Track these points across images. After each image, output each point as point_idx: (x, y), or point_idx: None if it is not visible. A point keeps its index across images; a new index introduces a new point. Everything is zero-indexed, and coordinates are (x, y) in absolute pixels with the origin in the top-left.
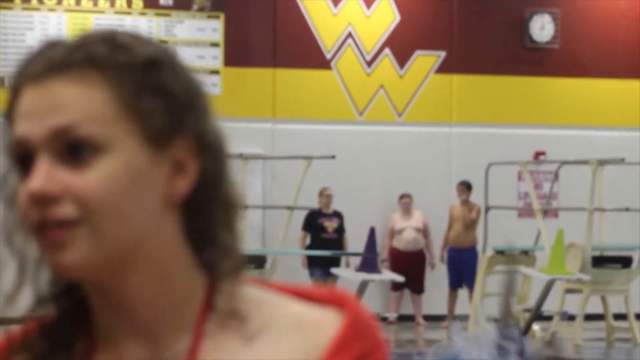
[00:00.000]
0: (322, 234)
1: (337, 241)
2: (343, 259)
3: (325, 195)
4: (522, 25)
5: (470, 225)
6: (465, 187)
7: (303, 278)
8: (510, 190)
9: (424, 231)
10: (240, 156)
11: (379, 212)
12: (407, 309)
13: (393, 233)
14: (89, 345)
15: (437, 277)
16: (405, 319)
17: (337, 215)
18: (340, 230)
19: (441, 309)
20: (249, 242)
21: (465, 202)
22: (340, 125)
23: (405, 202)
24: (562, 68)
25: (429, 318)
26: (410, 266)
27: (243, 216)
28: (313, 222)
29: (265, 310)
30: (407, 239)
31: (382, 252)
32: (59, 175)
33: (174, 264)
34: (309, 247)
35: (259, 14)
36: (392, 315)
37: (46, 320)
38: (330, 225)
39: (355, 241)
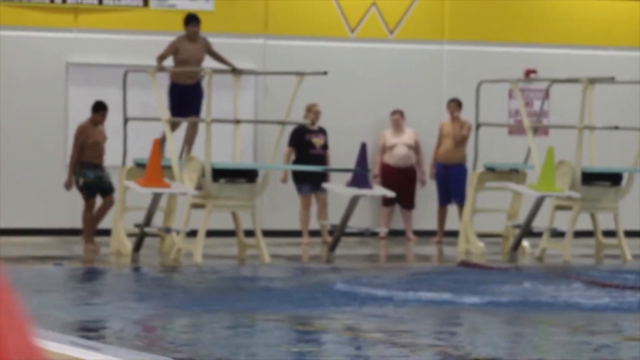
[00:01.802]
0: (310, 149)
1: (323, 157)
2: (330, 175)
3: (314, 111)
4: None
5: (461, 141)
6: (456, 104)
7: (293, 192)
8: (501, 108)
9: (415, 148)
10: (233, 71)
11: (370, 129)
12: (398, 224)
13: (384, 149)
14: None
15: (427, 193)
16: (395, 234)
17: (323, 131)
18: (325, 146)
19: (431, 224)
20: (241, 156)
21: (456, 119)
22: (332, 42)
23: (396, 118)
24: None
25: (419, 233)
26: (400, 182)
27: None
28: (300, 138)
29: None
30: (399, 154)
31: (373, 167)
32: None
33: None
34: (295, 163)
35: None
36: (382, 231)
37: None
38: (318, 141)
39: (345, 157)
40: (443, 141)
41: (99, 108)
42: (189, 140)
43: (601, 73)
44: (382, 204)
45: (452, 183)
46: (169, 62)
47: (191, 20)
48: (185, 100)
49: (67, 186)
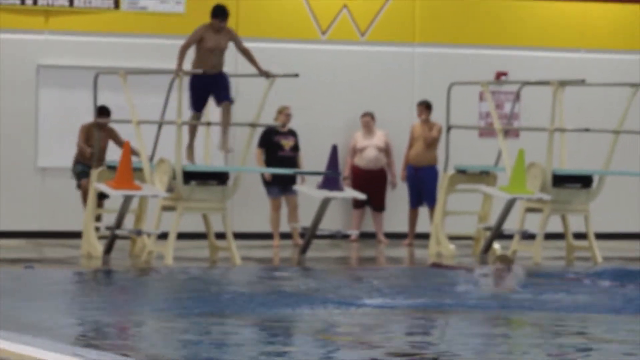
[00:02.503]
0: (279, 151)
1: (292, 159)
2: (298, 177)
3: (285, 114)
4: None
5: (431, 143)
6: (424, 106)
7: (264, 195)
8: (471, 110)
9: (386, 150)
10: (203, 73)
11: (341, 130)
12: (369, 226)
13: (355, 151)
14: None
15: (398, 195)
16: (366, 236)
17: (293, 133)
18: (295, 148)
19: (402, 227)
20: (212, 158)
21: (426, 121)
22: (303, 44)
23: (366, 120)
24: None
25: (390, 236)
26: (371, 184)
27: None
28: (269, 140)
29: None
30: (369, 157)
31: (344, 169)
32: None
33: None
34: (266, 164)
35: None
36: (354, 233)
37: None
38: (287, 143)
39: (317, 159)
40: (414, 143)
41: (102, 112)
42: (225, 128)
43: (572, 75)
44: (352, 207)
45: (423, 185)
46: (189, 55)
47: (219, 14)
48: (211, 90)
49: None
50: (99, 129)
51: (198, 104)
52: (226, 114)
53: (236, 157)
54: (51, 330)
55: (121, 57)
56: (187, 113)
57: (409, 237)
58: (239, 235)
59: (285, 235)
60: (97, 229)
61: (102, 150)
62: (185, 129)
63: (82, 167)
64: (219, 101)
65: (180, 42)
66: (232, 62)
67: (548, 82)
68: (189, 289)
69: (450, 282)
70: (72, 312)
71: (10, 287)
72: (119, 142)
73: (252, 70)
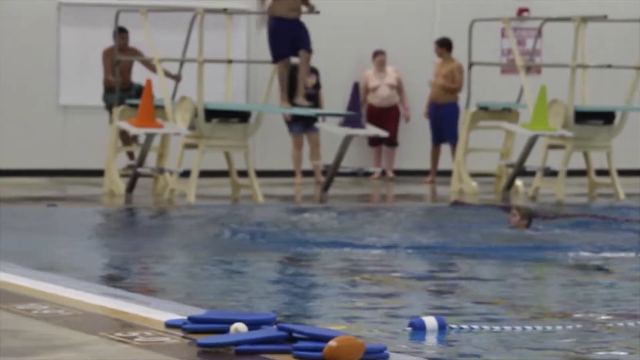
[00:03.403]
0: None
1: (315, 96)
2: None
3: None
4: None
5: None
6: (439, 44)
7: (287, 132)
8: (493, 47)
9: (398, 87)
10: (225, 11)
11: (359, 68)
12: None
13: (367, 89)
14: None
15: (416, 132)
16: (383, 174)
17: (315, 71)
18: (317, 85)
19: (420, 164)
20: (233, 96)
21: (445, 59)
22: None
23: (380, 59)
24: None
25: (409, 173)
26: (385, 121)
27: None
28: (292, 78)
29: None
30: (382, 95)
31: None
32: None
33: None
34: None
35: None
36: (376, 171)
37: None
38: (310, 80)
39: (332, 96)
40: (433, 81)
41: (119, 33)
42: (302, 78)
43: (594, 11)
44: (368, 144)
45: (444, 122)
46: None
47: None
48: (291, 35)
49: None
50: (121, 51)
51: (282, 50)
52: (305, 64)
53: (258, 94)
54: (75, 269)
55: None
56: (208, 51)
57: (431, 174)
58: (261, 173)
59: (308, 173)
60: (131, 167)
61: (127, 72)
62: (207, 66)
63: (113, 96)
64: (296, 48)
65: None
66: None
67: (570, 18)
68: (211, 227)
69: (473, 221)
70: (95, 251)
71: (33, 225)
72: (145, 62)
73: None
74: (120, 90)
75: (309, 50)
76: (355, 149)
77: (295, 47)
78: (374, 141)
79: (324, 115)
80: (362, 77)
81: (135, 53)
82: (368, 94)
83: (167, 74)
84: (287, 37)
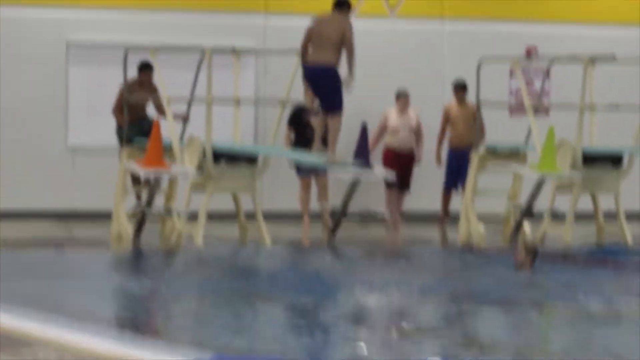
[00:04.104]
0: (308, 130)
1: (322, 138)
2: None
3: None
4: None
5: (472, 126)
6: (461, 87)
7: (293, 174)
8: (501, 87)
9: (417, 130)
10: (233, 50)
11: (370, 107)
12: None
13: (385, 129)
14: None
15: (422, 175)
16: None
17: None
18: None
19: (428, 206)
20: (242, 137)
21: (463, 102)
22: None
23: (404, 100)
24: None
25: (417, 216)
26: (402, 165)
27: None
28: (298, 119)
29: None
30: (404, 139)
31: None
32: None
33: None
34: (294, 144)
35: None
36: (385, 214)
37: None
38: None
39: (345, 135)
40: (453, 126)
41: (144, 68)
42: (331, 139)
43: (602, 51)
44: (385, 187)
45: (462, 167)
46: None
47: (334, 6)
48: (317, 90)
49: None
50: (140, 86)
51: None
52: (329, 125)
53: (266, 136)
54: (82, 312)
55: (151, 33)
56: (217, 90)
57: (444, 218)
58: (268, 215)
59: (316, 215)
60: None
61: (142, 107)
62: (215, 107)
63: (129, 131)
64: (323, 110)
65: (210, 18)
66: (260, 39)
67: (578, 58)
68: (218, 270)
69: (481, 265)
70: (103, 294)
71: (40, 268)
72: (158, 103)
73: (282, 46)
74: (134, 123)
75: (334, 111)
76: (366, 189)
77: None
78: (391, 183)
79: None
80: (381, 116)
81: (154, 91)
82: (387, 135)
83: (176, 115)
84: (314, 87)
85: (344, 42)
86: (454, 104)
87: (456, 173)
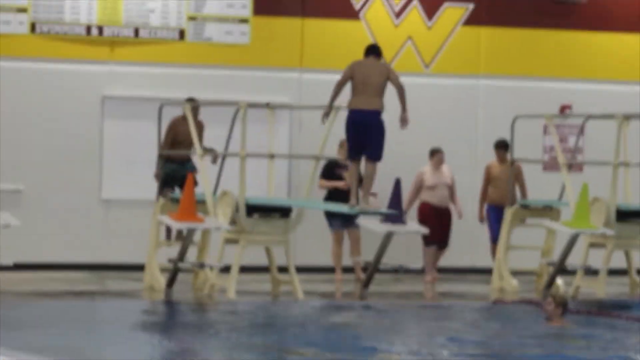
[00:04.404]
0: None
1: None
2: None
3: (345, 147)
4: None
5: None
6: (503, 146)
7: (327, 228)
8: (535, 144)
9: (451, 186)
10: (268, 105)
11: (405, 163)
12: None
13: (422, 187)
14: None
15: (458, 231)
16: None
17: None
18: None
19: (462, 262)
20: (275, 191)
21: (504, 161)
22: None
23: (439, 157)
24: (590, 22)
25: (451, 271)
26: (440, 221)
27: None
28: (331, 172)
29: None
30: (442, 195)
31: (406, 204)
32: None
33: None
34: (327, 198)
35: None
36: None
37: None
38: (349, 177)
39: (379, 190)
40: (496, 183)
41: (189, 102)
42: (366, 186)
43: (637, 108)
44: (424, 244)
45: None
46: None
47: (369, 52)
48: (362, 139)
49: (156, 176)
50: (185, 122)
51: (353, 152)
52: (368, 172)
53: (299, 190)
54: None
55: (186, 88)
56: (251, 145)
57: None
58: (301, 269)
59: (348, 269)
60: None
61: (189, 145)
62: (249, 160)
63: (171, 167)
64: (366, 158)
65: (246, 73)
66: (295, 94)
67: (612, 116)
68: (252, 324)
69: (514, 319)
70: (136, 346)
71: (73, 319)
72: (201, 140)
73: (317, 102)
74: (178, 162)
75: (374, 160)
76: (399, 244)
77: (365, 154)
78: (430, 241)
79: (364, 213)
80: (417, 174)
81: (200, 126)
82: (424, 192)
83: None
84: (358, 137)
85: (393, 83)
86: (495, 163)
87: (498, 225)
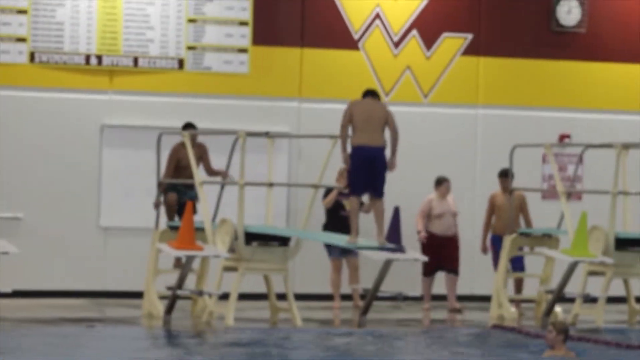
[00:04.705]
0: (341, 211)
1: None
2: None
3: (344, 176)
4: (549, 9)
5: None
6: (505, 176)
7: (325, 255)
8: (534, 173)
9: (454, 214)
10: (267, 134)
11: (403, 191)
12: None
13: (428, 216)
14: None
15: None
16: (435, 298)
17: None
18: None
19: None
20: (274, 220)
21: (507, 190)
22: None
23: (446, 186)
24: (588, 52)
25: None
26: (446, 249)
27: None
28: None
29: None
30: (448, 224)
31: (418, 232)
32: None
33: None
34: (327, 225)
35: None
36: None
37: None
38: (349, 203)
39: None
40: (498, 213)
41: (188, 127)
42: (378, 221)
43: (635, 138)
44: (423, 274)
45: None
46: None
47: (367, 94)
48: (368, 175)
49: (156, 205)
50: (191, 145)
51: (357, 187)
52: (378, 209)
53: (297, 219)
54: None
55: (185, 117)
56: (249, 174)
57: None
58: (299, 296)
59: (346, 297)
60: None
61: (191, 170)
62: (248, 189)
63: (172, 185)
64: (370, 195)
65: (244, 102)
66: (294, 123)
67: (611, 145)
68: (250, 351)
69: (513, 345)
70: None
71: (72, 345)
72: (207, 162)
73: (316, 131)
74: (183, 188)
75: (378, 197)
76: (398, 272)
77: (370, 191)
78: (429, 270)
79: (362, 249)
80: (424, 203)
81: (202, 149)
82: (430, 221)
83: (218, 172)
84: (364, 172)
85: (389, 127)
86: (499, 192)
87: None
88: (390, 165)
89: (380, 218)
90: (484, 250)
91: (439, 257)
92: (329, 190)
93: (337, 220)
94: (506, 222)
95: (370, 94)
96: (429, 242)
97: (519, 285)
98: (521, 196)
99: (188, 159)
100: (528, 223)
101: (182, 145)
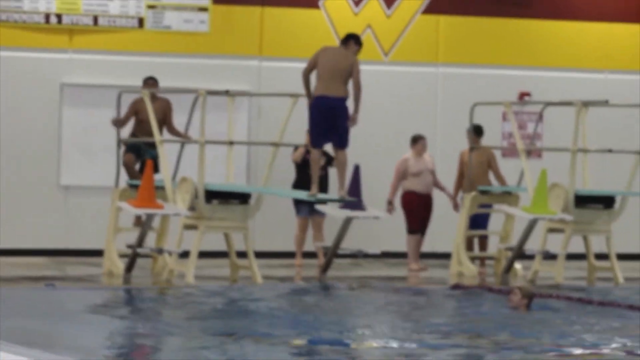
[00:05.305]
0: (309, 169)
1: (323, 177)
2: (331, 188)
3: None
4: None
5: (487, 170)
6: (475, 132)
7: (286, 214)
8: (494, 131)
9: (434, 171)
10: (227, 93)
11: (363, 150)
12: (389, 245)
13: (406, 174)
14: None
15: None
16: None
17: (323, 152)
18: (326, 166)
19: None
20: (234, 178)
21: (477, 148)
22: None
23: (423, 144)
24: (549, 10)
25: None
26: (425, 209)
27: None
28: (301, 157)
29: None
30: (427, 181)
31: (390, 193)
32: None
33: None
34: (296, 182)
35: None
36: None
37: None
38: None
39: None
40: (467, 171)
41: (149, 80)
42: (342, 175)
43: (595, 96)
44: (408, 232)
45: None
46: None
47: (347, 39)
48: (328, 127)
49: (115, 123)
50: (152, 100)
51: (317, 139)
52: (340, 160)
53: (259, 176)
54: (73, 349)
55: (145, 75)
56: (210, 132)
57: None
58: (260, 254)
59: (308, 255)
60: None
61: (157, 122)
62: (208, 147)
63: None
64: (334, 146)
65: (205, 61)
66: (255, 82)
67: (571, 103)
68: (209, 309)
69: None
70: (93, 331)
71: (31, 305)
72: (170, 121)
73: (276, 89)
74: (143, 146)
75: (342, 147)
76: (359, 229)
77: (333, 143)
78: (414, 229)
79: (324, 201)
80: (401, 162)
81: (165, 104)
82: (408, 180)
83: (179, 134)
84: (325, 124)
85: (352, 79)
86: (468, 150)
87: (475, 215)
88: (352, 119)
89: (342, 170)
90: (456, 207)
91: (424, 215)
92: (297, 147)
93: (306, 177)
94: (475, 180)
95: (347, 40)
96: (413, 200)
97: (482, 244)
98: (490, 153)
99: (147, 114)
100: (499, 179)
101: (142, 100)
